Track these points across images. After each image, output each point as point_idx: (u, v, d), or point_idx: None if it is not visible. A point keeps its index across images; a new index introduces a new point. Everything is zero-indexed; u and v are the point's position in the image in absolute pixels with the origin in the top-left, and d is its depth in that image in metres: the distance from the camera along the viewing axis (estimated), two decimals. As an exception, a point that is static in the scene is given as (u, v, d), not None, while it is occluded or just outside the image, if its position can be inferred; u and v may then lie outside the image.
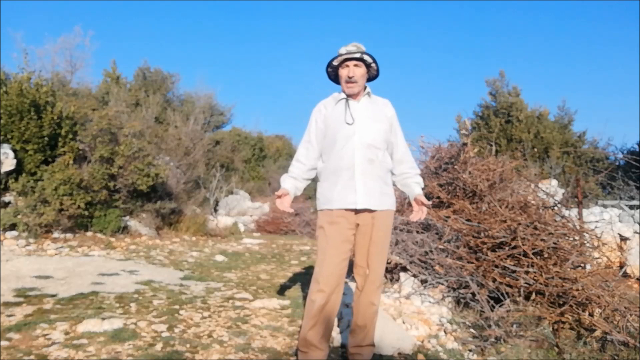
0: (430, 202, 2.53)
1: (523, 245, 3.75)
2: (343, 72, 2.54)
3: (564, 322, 3.43)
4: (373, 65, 2.56)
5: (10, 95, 7.37)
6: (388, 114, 2.61)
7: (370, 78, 2.64)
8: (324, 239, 2.49)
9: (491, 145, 6.22)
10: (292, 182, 2.58)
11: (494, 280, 3.78)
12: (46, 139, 7.51)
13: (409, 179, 2.61)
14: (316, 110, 2.64)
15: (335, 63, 2.56)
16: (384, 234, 2.53)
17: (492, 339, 3.17)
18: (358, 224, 2.50)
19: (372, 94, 2.63)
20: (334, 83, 2.66)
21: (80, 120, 8.26)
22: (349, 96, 2.57)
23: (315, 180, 2.72)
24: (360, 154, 2.48)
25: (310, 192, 10.32)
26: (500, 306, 3.54)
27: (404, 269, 4.45)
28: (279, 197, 2.49)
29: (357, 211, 2.48)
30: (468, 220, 4.42)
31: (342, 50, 2.54)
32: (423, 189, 2.63)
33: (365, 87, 2.61)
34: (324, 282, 2.44)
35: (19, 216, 6.73)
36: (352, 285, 3.24)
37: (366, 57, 2.51)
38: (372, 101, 2.61)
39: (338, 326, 3.27)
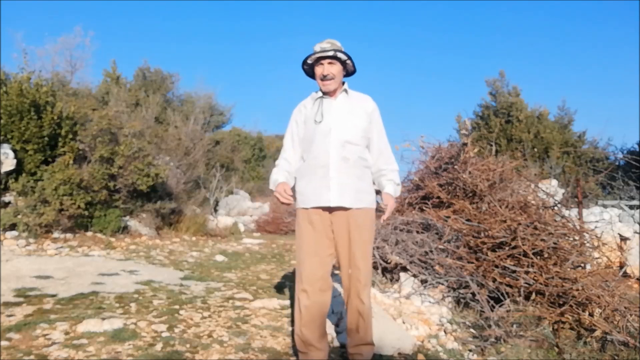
0: (393, 204, 2.48)
1: (523, 245, 3.75)
2: (318, 70, 2.52)
3: (564, 322, 3.42)
4: (348, 62, 2.53)
5: (10, 95, 7.36)
6: (368, 109, 2.57)
7: (348, 74, 2.62)
8: (302, 237, 2.49)
9: (491, 145, 6.24)
10: (285, 175, 2.58)
11: (494, 280, 3.78)
12: (46, 139, 7.50)
13: (381, 177, 2.56)
14: (296, 110, 2.65)
15: (309, 61, 2.53)
16: (361, 233, 2.46)
17: (492, 339, 3.17)
18: (333, 222, 2.47)
19: (350, 90, 2.60)
20: (312, 79, 2.63)
21: (80, 120, 8.26)
22: (325, 94, 2.55)
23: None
24: (335, 152, 2.45)
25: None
26: (500, 306, 3.54)
27: (404, 269, 4.45)
28: (279, 192, 2.44)
29: (331, 209, 2.45)
30: (468, 220, 4.42)
31: (317, 47, 2.51)
32: (398, 185, 2.57)
33: (343, 84, 2.58)
34: (306, 281, 2.43)
35: (19, 216, 6.73)
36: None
37: (340, 55, 2.48)
38: (350, 97, 2.59)
39: (338, 326, 3.27)
